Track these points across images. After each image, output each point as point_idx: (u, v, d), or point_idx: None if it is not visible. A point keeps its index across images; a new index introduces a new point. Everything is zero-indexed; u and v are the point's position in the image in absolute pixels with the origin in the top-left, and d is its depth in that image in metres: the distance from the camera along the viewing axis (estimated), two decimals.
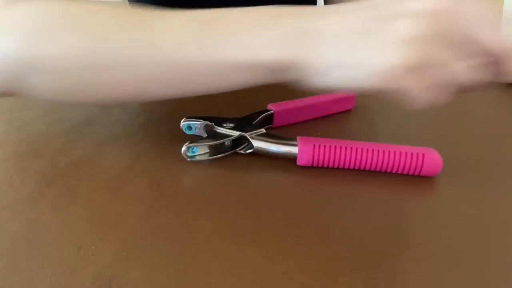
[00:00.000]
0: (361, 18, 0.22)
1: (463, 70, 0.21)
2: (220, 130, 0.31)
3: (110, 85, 0.27)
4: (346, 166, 0.28)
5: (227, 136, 0.30)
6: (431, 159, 0.27)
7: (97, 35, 0.26)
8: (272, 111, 0.34)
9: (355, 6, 0.23)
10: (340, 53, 0.22)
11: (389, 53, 0.20)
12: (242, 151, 0.30)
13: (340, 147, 0.28)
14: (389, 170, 0.28)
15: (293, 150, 0.28)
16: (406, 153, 0.27)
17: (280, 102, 0.35)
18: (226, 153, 0.30)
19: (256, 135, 0.30)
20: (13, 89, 0.28)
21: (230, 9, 0.25)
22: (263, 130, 0.31)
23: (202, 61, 0.24)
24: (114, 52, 0.25)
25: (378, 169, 0.28)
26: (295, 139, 0.29)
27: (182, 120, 0.32)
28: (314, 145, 0.28)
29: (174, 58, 0.25)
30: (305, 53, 0.23)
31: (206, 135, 0.31)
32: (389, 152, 0.28)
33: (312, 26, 0.23)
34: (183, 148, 0.28)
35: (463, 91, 0.22)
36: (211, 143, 0.29)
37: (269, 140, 0.29)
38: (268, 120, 0.34)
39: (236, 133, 0.30)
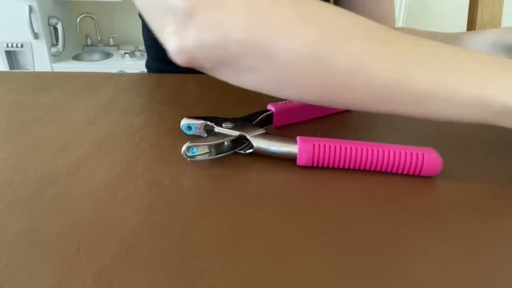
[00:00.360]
0: None
1: None
2: (220, 130, 0.31)
3: (328, 89, 0.26)
4: (346, 166, 0.29)
5: (227, 136, 0.30)
6: (431, 159, 0.27)
7: (335, 37, 0.25)
8: (272, 111, 0.34)
9: None
10: None
11: None
12: (242, 151, 0.30)
13: (340, 147, 0.28)
14: (389, 170, 0.28)
15: (293, 150, 0.28)
16: (406, 153, 0.27)
17: (280, 102, 0.35)
18: (226, 153, 0.30)
19: (256, 135, 0.30)
20: (224, 64, 0.27)
21: (452, 47, 0.26)
22: (263, 130, 0.31)
23: (443, 89, 0.24)
24: (356, 61, 0.25)
25: (378, 169, 0.28)
26: (295, 139, 0.29)
27: (182, 120, 0.32)
28: (314, 145, 0.28)
29: (418, 86, 0.25)
30: None
31: (206, 135, 0.31)
32: (389, 152, 0.28)
33: None
34: (183, 148, 0.28)
35: None
36: (211, 143, 0.29)
37: (269, 140, 0.29)
38: (268, 120, 0.34)
39: (236, 133, 0.30)
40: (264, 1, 0.26)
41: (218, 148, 0.30)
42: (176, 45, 0.27)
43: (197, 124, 0.32)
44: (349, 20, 0.26)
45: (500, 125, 0.25)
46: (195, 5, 0.25)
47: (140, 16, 0.63)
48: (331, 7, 0.26)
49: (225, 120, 0.31)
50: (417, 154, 0.27)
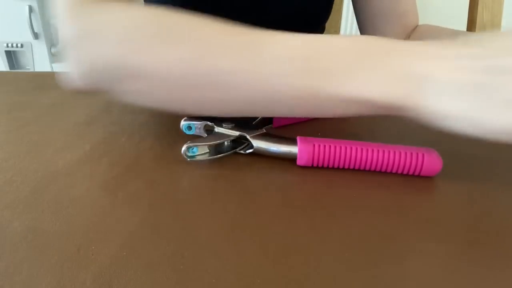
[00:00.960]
0: (472, 68, 0.21)
1: None
2: (220, 130, 0.31)
3: (205, 101, 0.27)
4: (346, 166, 0.29)
5: (227, 136, 0.30)
6: (431, 159, 0.27)
7: (201, 52, 0.25)
8: None
9: (461, 49, 0.22)
10: (454, 106, 0.22)
11: (507, 114, 0.20)
12: (242, 151, 0.30)
13: (340, 147, 0.28)
14: (389, 170, 0.28)
15: (293, 150, 0.28)
16: (406, 153, 0.27)
17: None
18: (226, 153, 0.30)
19: (256, 135, 0.30)
20: (109, 90, 0.29)
21: (334, 38, 0.25)
22: (263, 130, 0.31)
23: (307, 92, 0.24)
24: (220, 72, 0.25)
25: (378, 169, 0.28)
26: (295, 139, 0.29)
27: (182, 120, 0.32)
28: (314, 145, 0.28)
29: (279, 87, 0.25)
30: (417, 98, 0.22)
31: (206, 135, 0.31)
32: (389, 152, 0.28)
33: (424, 70, 0.22)
34: (183, 148, 0.28)
35: None
36: (211, 143, 0.29)
37: (269, 140, 0.29)
38: (268, 120, 0.34)
39: (236, 133, 0.30)
40: (132, 28, 0.27)
41: (218, 148, 0.30)
42: (68, 71, 0.29)
43: (197, 124, 0.32)
44: (209, 31, 0.26)
45: (393, 114, 0.25)
46: (76, 34, 0.27)
47: None
48: (188, 18, 0.27)
49: (225, 120, 0.31)
50: (417, 154, 0.27)
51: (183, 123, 0.32)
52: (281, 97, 0.25)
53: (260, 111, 0.27)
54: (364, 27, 0.57)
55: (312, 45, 0.25)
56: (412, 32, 0.54)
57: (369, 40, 0.24)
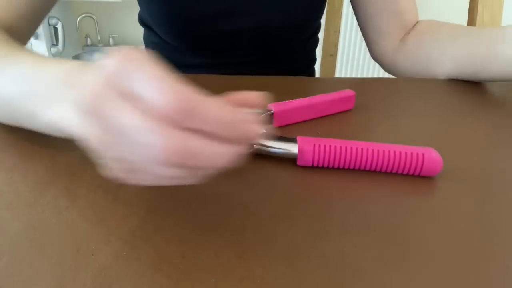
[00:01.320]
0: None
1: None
2: None
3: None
4: (346, 166, 0.28)
5: None
6: (431, 159, 0.27)
7: None
8: (272, 111, 0.34)
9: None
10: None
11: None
12: None
13: (340, 147, 0.28)
14: (389, 170, 0.28)
15: (293, 150, 0.28)
16: (406, 153, 0.27)
17: (280, 102, 0.35)
18: None
19: None
20: None
21: (50, 63, 0.27)
22: (263, 130, 0.30)
23: (27, 114, 0.27)
24: None
25: (378, 169, 0.28)
26: (295, 139, 0.29)
27: None
28: (314, 145, 0.28)
29: (11, 107, 0.29)
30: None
31: None
32: (389, 152, 0.28)
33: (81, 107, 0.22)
34: None
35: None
36: None
37: (269, 140, 0.29)
38: (268, 120, 0.34)
39: None
40: None
41: None
42: None
43: None
44: None
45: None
46: None
47: (141, 23, 0.63)
48: None
49: None
50: (417, 154, 0.27)
51: None
52: (13, 115, 0.29)
53: (22, 126, 0.30)
54: (363, 27, 0.57)
55: (28, 72, 0.28)
56: (412, 29, 0.54)
57: (67, 71, 0.25)
